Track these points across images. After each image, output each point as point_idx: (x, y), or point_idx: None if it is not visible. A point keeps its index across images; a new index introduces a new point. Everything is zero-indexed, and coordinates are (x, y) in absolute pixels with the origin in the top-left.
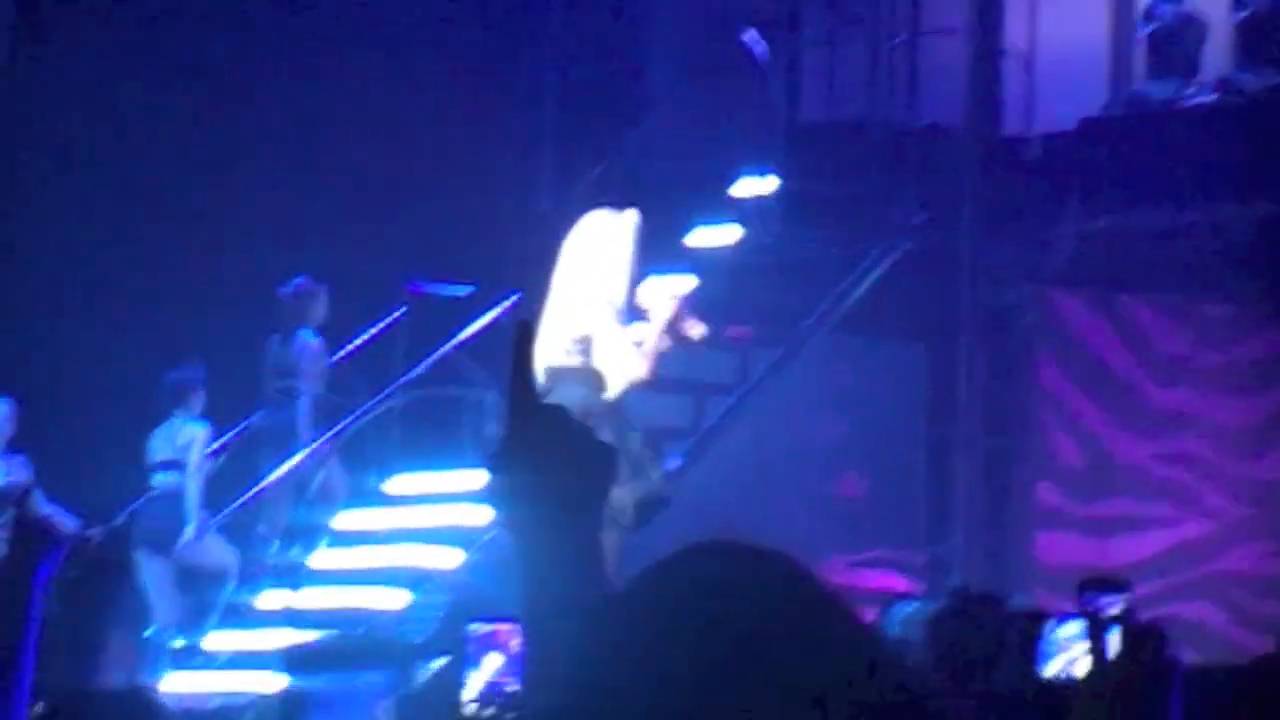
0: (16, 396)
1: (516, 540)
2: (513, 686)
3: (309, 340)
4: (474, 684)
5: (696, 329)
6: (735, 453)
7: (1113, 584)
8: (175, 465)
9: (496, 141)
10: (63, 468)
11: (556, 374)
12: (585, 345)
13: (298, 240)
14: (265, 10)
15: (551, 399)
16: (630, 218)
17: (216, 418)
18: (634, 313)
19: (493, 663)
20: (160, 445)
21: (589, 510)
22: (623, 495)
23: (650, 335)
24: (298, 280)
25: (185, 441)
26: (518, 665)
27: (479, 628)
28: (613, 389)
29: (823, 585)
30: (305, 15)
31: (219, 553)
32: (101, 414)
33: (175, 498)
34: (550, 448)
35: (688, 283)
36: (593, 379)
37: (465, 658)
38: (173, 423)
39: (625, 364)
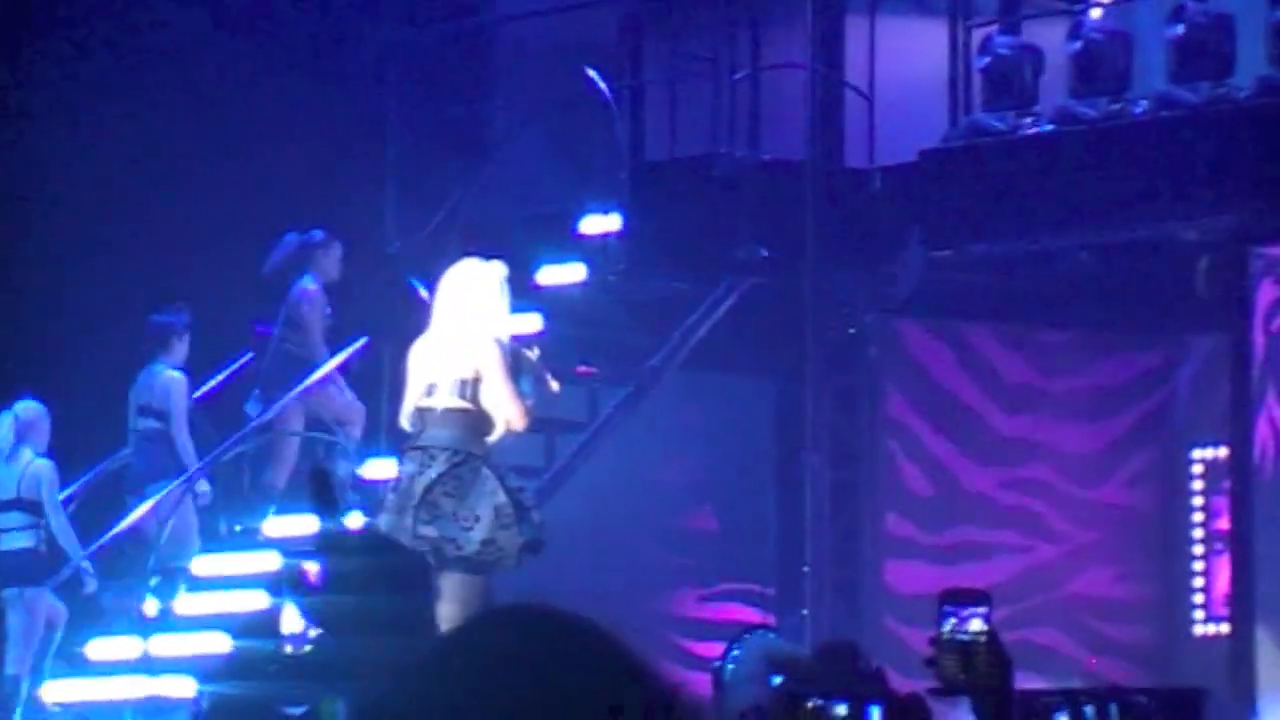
0: None
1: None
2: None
3: (174, 375)
4: (287, 623)
5: (553, 384)
6: (587, 490)
7: (969, 596)
8: (155, 413)
9: (342, 181)
10: None
11: (440, 418)
12: (471, 388)
13: (145, 274)
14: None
15: (425, 441)
16: (499, 268)
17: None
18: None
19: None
20: (141, 391)
21: (424, 629)
22: (509, 539)
23: (523, 390)
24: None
25: (163, 387)
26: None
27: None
28: (496, 431)
29: (629, 655)
30: (147, 45)
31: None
32: None
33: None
34: (375, 577)
35: (532, 321)
36: (477, 422)
37: (278, 597)
38: (153, 369)
39: (510, 409)
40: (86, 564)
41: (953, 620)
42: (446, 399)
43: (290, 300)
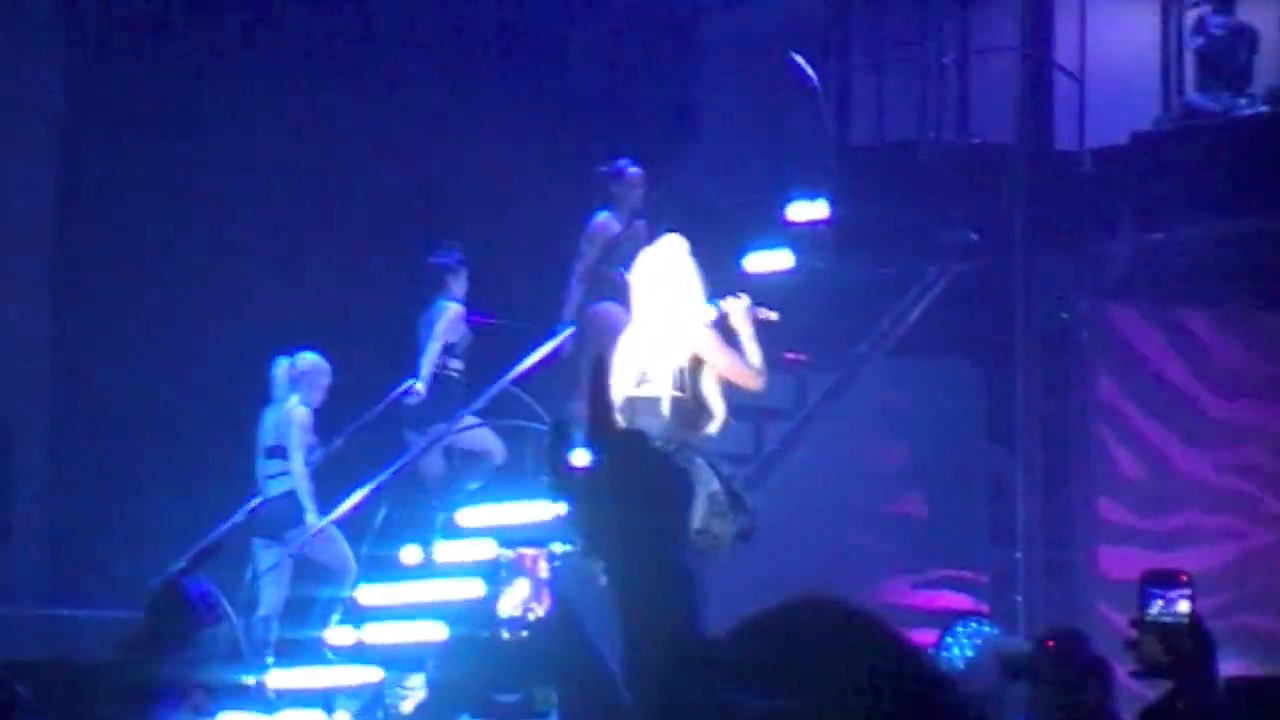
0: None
1: (609, 573)
2: (537, 611)
3: (454, 307)
4: (504, 608)
5: (769, 314)
6: (796, 477)
7: (1175, 578)
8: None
9: (549, 167)
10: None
11: (652, 406)
12: (687, 376)
13: (352, 272)
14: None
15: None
16: (678, 242)
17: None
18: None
19: (521, 588)
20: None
21: (676, 540)
22: (724, 527)
23: (748, 349)
24: None
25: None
26: (540, 589)
27: (506, 553)
28: (715, 422)
29: (906, 645)
30: (333, 38)
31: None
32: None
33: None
34: (634, 479)
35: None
36: (691, 411)
37: (496, 584)
38: (434, 306)
39: (744, 379)
40: (313, 512)
41: (1159, 603)
42: (661, 388)
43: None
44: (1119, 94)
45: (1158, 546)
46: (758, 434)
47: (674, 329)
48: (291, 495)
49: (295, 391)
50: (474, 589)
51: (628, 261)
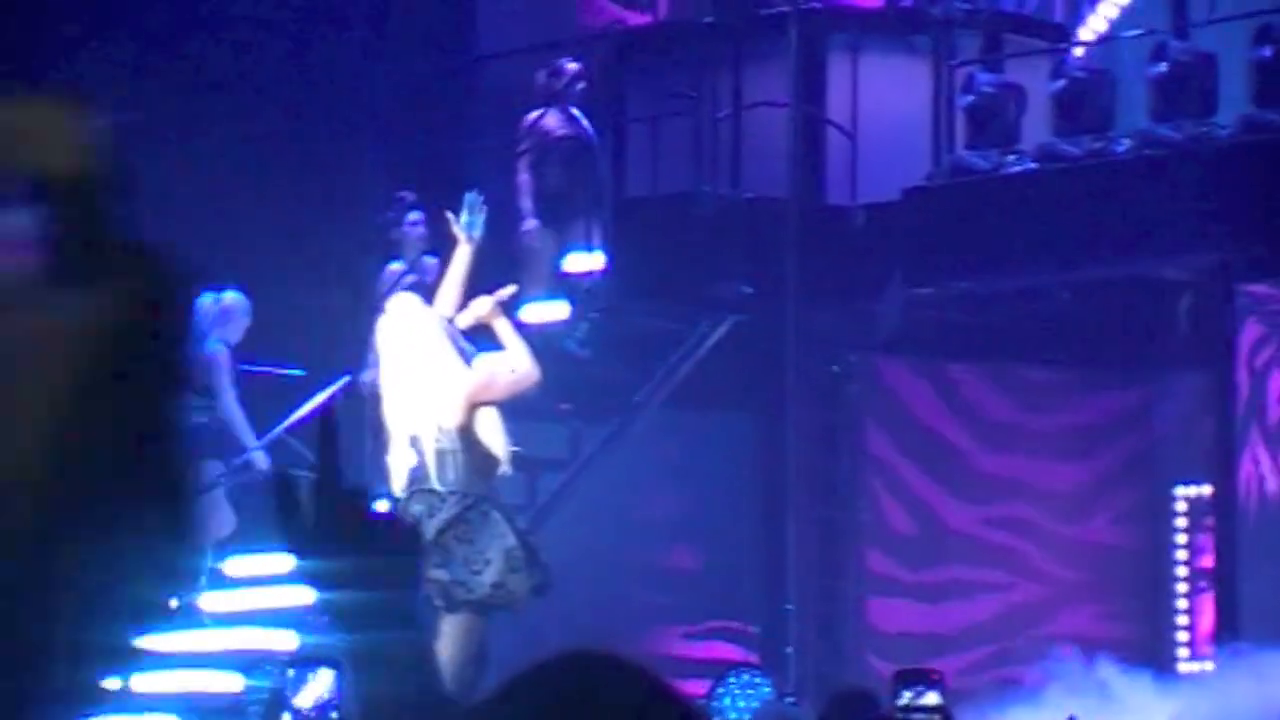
0: None
1: (339, 627)
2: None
3: None
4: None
5: (506, 291)
6: (569, 528)
7: (925, 678)
8: None
9: (327, 221)
10: None
11: (444, 461)
12: (466, 430)
13: None
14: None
15: (433, 484)
16: (407, 300)
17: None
18: (467, 341)
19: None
20: None
21: (407, 591)
22: (519, 582)
23: (510, 343)
24: None
25: None
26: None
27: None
28: (501, 467)
29: (679, 699)
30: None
31: None
32: None
33: None
34: (354, 542)
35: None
36: (480, 462)
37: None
38: None
39: (521, 381)
40: (259, 451)
41: (908, 694)
42: (447, 442)
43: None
44: (891, 150)
45: (927, 599)
46: (531, 484)
47: (434, 387)
48: (223, 433)
49: (215, 332)
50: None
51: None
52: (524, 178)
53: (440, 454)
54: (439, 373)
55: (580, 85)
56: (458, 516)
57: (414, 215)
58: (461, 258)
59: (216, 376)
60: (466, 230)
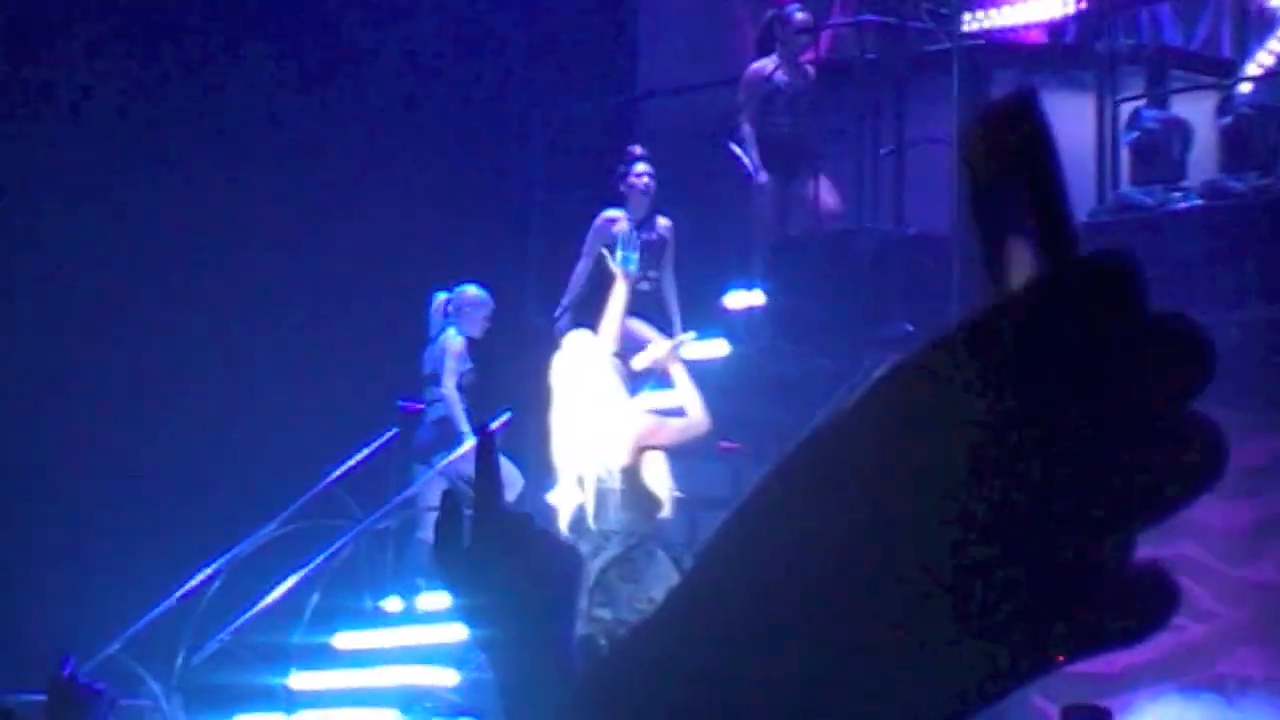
0: None
1: (490, 658)
2: None
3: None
4: None
5: (686, 336)
6: None
7: (1095, 714)
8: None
9: (484, 261)
10: None
11: (610, 499)
12: (632, 470)
13: (281, 354)
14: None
15: (600, 524)
16: (586, 338)
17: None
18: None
19: None
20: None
21: (557, 620)
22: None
23: (684, 388)
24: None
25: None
26: None
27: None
28: (665, 508)
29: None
30: (293, 118)
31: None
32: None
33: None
34: (510, 558)
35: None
36: (645, 502)
37: None
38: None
39: (690, 428)
40: (466, 430)
41: None
42: (611, 483)
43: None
44: None
45: None
46: (691, 523)
47: (604, 428)
48: (445, 421)
49: (452, 324)
50: (400, 676)
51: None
52: (746, 129)
53: (602, 494)
54: (610, 414)
55: (805, 38)
56: (622, 555)
57: (641, 167)
58: (619, 294)
59: (444, 360)
60: (623, 266)
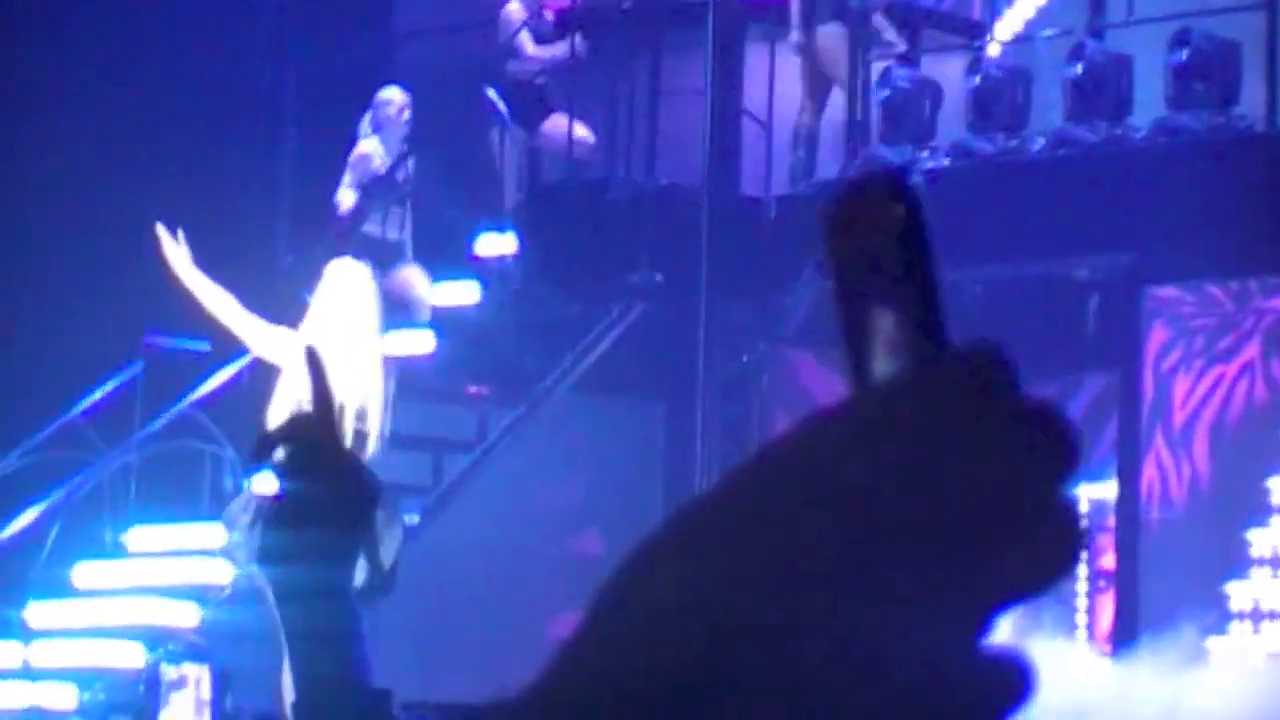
0: None
1: (276, 597)
2: None
3: None
4: None
5: None
6: (474, 510)
7: None
8: None
9: (233, 193)
10: None
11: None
12: (360, 412)
13: (22, 285)
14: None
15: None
16: (361, 269)
17: None
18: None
19: (182, 703)
20: None
21: (347, 570)
22: (388, 556)
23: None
24: None
25: None
26: (203, 708)
27: (169, 670)
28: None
29: None
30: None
31: None
32: None
33: None
34: (332, 497)
35: (424, 340)
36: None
37: (155, 699)
38: None
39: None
40: None
41: None
42: (369, 422)
43: None
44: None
45: None
46: (436, 466)
47: (352, 360)
48: None
49: None
50: (151, 612)
51: None
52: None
53: (366, 431)
54: (371, 346)
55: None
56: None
57: (391, 95)
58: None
59: None
60: None
